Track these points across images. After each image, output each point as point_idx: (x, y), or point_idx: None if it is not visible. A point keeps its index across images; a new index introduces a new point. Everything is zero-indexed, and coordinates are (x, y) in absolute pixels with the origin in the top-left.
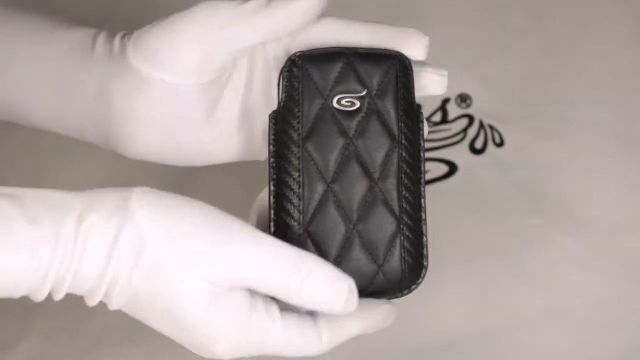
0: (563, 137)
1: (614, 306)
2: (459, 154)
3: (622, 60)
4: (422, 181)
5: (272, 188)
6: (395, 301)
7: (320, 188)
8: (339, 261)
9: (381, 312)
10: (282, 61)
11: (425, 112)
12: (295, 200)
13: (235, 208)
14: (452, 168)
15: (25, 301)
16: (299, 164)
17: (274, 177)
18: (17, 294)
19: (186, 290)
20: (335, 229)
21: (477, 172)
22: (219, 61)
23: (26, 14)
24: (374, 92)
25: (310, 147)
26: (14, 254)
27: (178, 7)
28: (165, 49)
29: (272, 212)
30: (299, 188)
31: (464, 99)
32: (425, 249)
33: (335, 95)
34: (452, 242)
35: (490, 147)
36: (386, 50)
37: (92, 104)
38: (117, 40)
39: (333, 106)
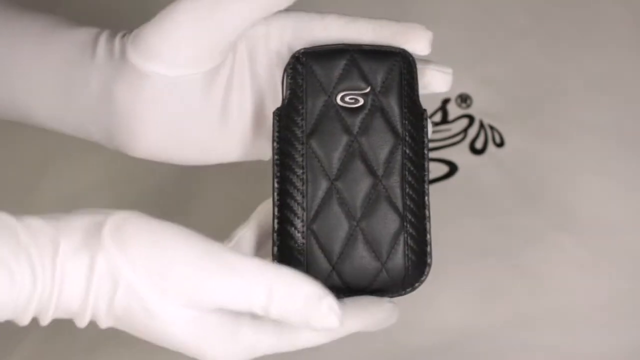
0: (563, 137)
1: (614, 306)
2: (459, 154)
3: (622, 61)
4: (426, 178)
5: (276, 185)
6: (396, 301)
7: (323, 185)
8: (342, 258)
9: (383, 310)
10: (286, 58)
11: None
12: (299, 197)
13: (235, 208)
14: (452, 168)
15: None
16: (302, 161)
17: (278, 174)
18: None
19: (167, 319)
20: (339, 226)
21: (477, 172)
22: (215, 45)
23: (27, 13)
24: (378, 89)
25: (313, 144)
26: None
27: None
28: (159, 42)
29: (276, 208)
30: (303, 185)
31: (464, 99)
32: (428, 247)
33: (338, 92)
34: (452, 242)
35: (490, 147)
36: (390, 47)
37: (94, 103)
38: (117, 39)
39: (337, 103)
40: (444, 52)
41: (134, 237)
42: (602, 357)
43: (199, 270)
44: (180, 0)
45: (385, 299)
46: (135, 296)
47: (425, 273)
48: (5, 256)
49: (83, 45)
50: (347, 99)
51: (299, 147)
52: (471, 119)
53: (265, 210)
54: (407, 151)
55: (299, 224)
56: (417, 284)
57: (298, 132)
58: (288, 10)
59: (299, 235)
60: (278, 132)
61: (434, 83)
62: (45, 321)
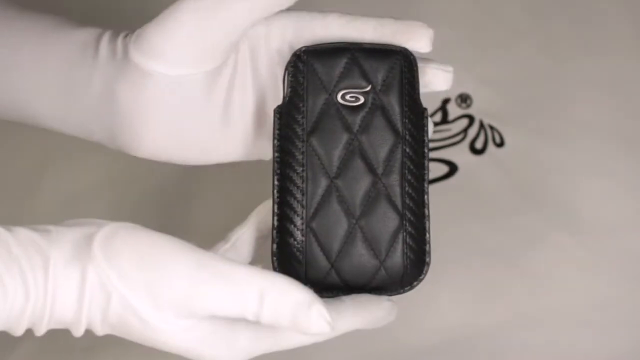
0: (563, 137)
1: (614, 306)
2: (459, 154)
3: (622, 61)
4: (426, 177)
5: (276, 182)
6: (395, 300)
7: (323, 183)
8: (341, 256)
9: (381, 308)
10: (287, 57)
11: None
12: (299, 195)
13: (235, 208)
14: (452, 168)
15: None
16: (302, 159)
17: (278, 171)
18: None
19: (162, 328)
20: (338, 223)
21: (477, 172)
22: (217, 45)
23: (29, 14)
24: (379, 88)
25: (314, 141)
26: None
27: None
28: (162, 41)
29: (275, 206)
30: (303, 182)
31: (464, 99)
32: (427, 245)
33: (339, 90)
34: (452, 242)
35: (490, 147)
36: (391, 45)
37: (96, 103)
38: (119, 39)
39: (337, 101)
40: (444, 52)
41: (124, 250)
42: (601, 357)
43: (190, 280)
44: (183, 0)
45: (384, 297)
46: (128, 307)
47: (424, 272)
48: None
49: (85, 46)
50: (347, 97)
51: (300, 144)
52: (471, 119)
53: (263, 211)
54: (407, 150)
55: (298, 221)
56: (415, 283)
57: (298, 130)
58: (289, 9)
59: (298, 232)
60: (279, 129)
61: (435, 81)
62: (39, 332)
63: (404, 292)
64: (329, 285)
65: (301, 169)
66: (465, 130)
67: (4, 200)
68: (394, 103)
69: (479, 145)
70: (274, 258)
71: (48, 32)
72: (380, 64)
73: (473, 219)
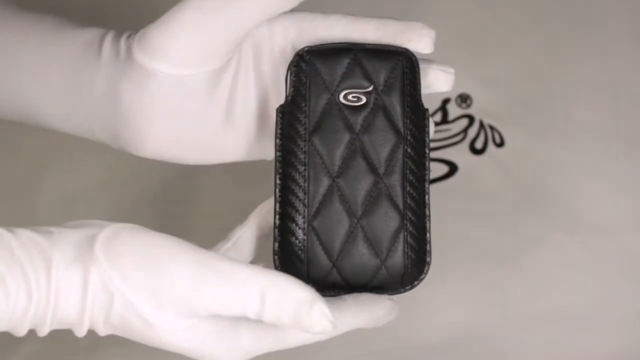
0: (563, 137)
1: (614, 306)
2: (459, 154)
3: (622, 61)
4: (427, 177)
5: (278, 181)
6: (396, 299)
7: (325, 182)
8: (343, 255)
9: (382, 308)
10: (290, 58)
11: None
12: (301, 194)
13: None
14: (452, 168)
15: None
16: (304, 158)
17: (280, 170)
18: None
19: (164, 328)
20: (340, 223)
21: (477, 172)
22: (221, 45)
23: (32, 14)
24: (380, 88)
25: (316, 141)
26: None
27: None
28: (166, 41)
29: (277, 205)
30: (305, 182)
31: (464, 99)
32: (428, 245)
33: (341, 90)
34: (452, 242)
35: (490, 147)
36: (393, 46)
37: (99, 102)
38: (123, 39)
39: (339, 101)
40: (444, 52)
41: (126, 251)
42: (601, 357)
43: (192, 280)
44: (187, 0)
45: (385, 296)
46: (131, 307)
47: (425, 271)
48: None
49: (88, 46)
50: (350, 97)
51: (302, 144)
52: (471, 119)
53: (264, 211)
54: (409, 150)
55: (300, 220)
56: (416, 282)
57: (301, 130)
58: (292, 10)
59: (300, 231)
60: (281, 129)
61: (436, 83)
62: (42, 333)
63: (404, 291)
64: (330, 284)
65: (303, 168)
66: (465, 130)
67: (4, 200)
68: (395, 103)
69: (479, 145)
70: (276, 257)
71: (51, 32)
72: (382, 65)
73: (473, 219)
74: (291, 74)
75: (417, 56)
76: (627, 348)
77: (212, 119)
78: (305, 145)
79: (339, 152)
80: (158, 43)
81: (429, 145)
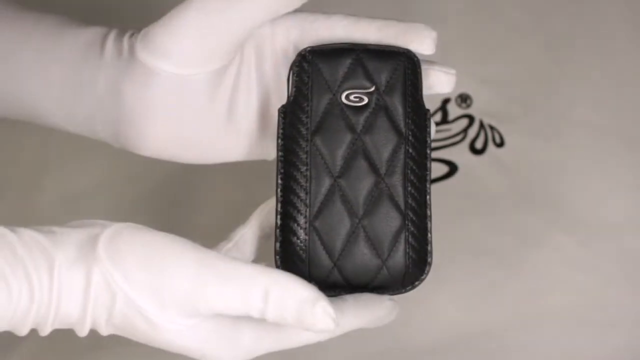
0: (563, 137)
1: (614, 306)
2: (459, 154)
3: (622, 61)
4: (428, 178)
5: (279, 181)
6: (396, 300)
7: (327, 182)
8: (344, 255)
9: (383, 308)
10: (292, 58)
11: None
12: (302, 194)
13: (237, 208)
14: (452, 168)
15: None
16: (306, 158)
17: (282, 170)
18: None
19: (167, 328)
20: (341, 223)
21: (477, 172)
22: (223, 45)
23: (35, 13)
24: (382, 88)
25: (318, 141)
26: None
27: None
28: (169, 41)
29: (279, 204)
30: (306, 182)
31: (464, 99)
32: (429, 245)
33: (343, 91)
34: (452, 242)
35: (490, 147)
36: (395, 47)
37: (101, 101)
38: (125, 38)
39: (341, 101)
40: (445, 52)
41: (129, 250)
42: (601, 357)
43: (194, 280)
44: (191, 0)
45: (386, 297)
46: (133, 307)
47: (426, 272)
48: (2, 269)
49: (91, 44)
50: (351, 97)
51: (303, 144)
52: (471, 119)
53: (265, 211)
54: (410, 150)
55: (301, 220)
56: (417, 282)
57: (303, 130)
58: (294, 11)
59: (301, 231)
60: (283, 129)
61: (437, 84)
62: (44, 332)
63: (405, 291)
64: (332, 284)
65: (305, 168)
66: (465, 130)
67: (5, 200)
68: (397, 104)
69: (479, 145)
70: (277, 257)
71: (53, 31)
72: (384, 65)
73: (473, 219)
74: (293, 74)
75: (419, 57)
76: (627, 348)
77: (214, 119)
78: (307, 145)
79: (341, 152)
80: (161, 42)
81: (430, 146)
